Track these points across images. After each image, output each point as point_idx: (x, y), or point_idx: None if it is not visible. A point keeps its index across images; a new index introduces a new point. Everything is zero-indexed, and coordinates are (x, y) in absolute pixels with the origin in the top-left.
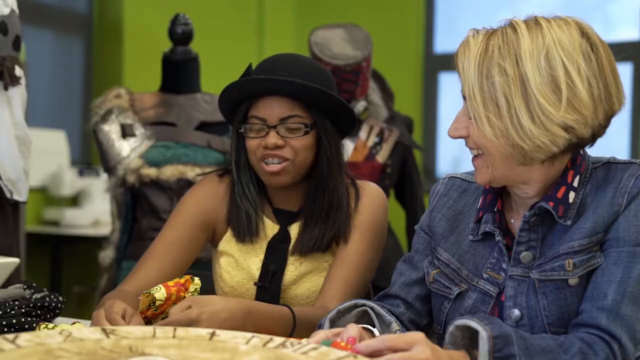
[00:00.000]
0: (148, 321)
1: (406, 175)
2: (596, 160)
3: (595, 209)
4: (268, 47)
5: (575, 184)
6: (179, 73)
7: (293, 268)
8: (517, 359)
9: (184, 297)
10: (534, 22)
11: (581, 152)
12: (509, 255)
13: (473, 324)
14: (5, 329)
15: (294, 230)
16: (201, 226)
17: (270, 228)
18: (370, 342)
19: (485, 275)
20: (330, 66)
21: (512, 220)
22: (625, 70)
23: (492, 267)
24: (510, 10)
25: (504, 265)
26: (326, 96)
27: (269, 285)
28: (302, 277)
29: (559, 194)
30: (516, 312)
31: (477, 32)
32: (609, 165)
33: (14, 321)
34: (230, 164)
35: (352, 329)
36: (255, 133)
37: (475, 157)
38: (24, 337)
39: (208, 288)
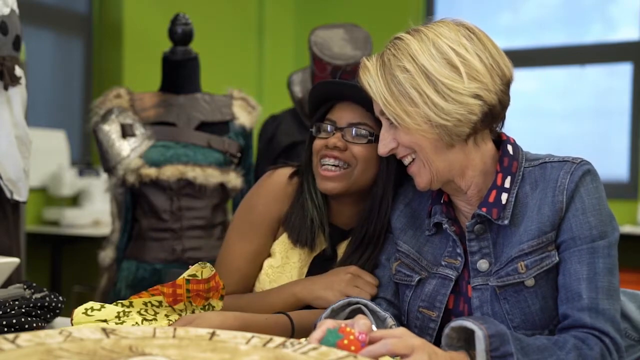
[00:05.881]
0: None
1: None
2: (534, 158)
3: (539, 209)
4: (268, 47)
5: (507, 184)
6: (179, 73)
7: None
8: (514, 357)
9: (210, 296)
10: (414, 30)
11: (510, 152)
12: (461, 243)
13: (468, 324)
14: (5, 329)
15: (342, 249)
16: (272, 232)
17: (321, 243)
18: (373, 348)
19: (443, 263)
20: (330, 66)
21: (459, 217)
22: (625, 70)
23: (450, 254)
24: (511, 10)
25: (458, 251)
26: None
27: None
28: None
29: (491, 198)
30: None
31: (370, 57)
32: (545, 164)
33: (14, 321)
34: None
35: (364, 324)
36: (323, 134)
37: (409, 165)
38: (24, 337)
39: None
